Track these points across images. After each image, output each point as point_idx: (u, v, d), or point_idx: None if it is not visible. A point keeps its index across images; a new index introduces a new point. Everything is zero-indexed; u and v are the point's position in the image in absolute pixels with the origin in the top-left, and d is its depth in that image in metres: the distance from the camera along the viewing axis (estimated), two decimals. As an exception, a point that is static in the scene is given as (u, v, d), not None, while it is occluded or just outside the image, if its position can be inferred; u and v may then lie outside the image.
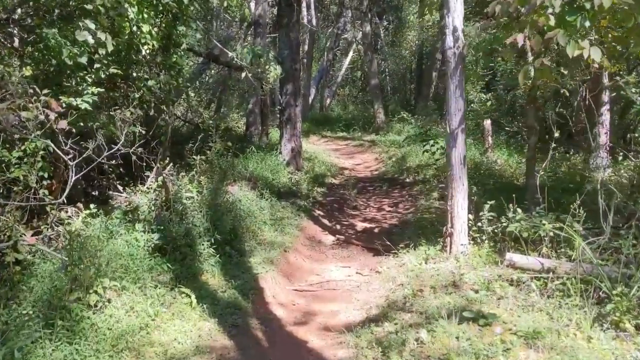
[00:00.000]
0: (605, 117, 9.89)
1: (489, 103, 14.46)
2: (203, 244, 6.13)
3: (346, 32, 29.06)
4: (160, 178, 7.18)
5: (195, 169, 7.84)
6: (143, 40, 7.23)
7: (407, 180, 11.20)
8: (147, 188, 7.14)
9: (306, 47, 23.13)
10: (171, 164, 7.87)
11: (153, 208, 6.61)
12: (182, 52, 9.12)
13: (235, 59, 9.22)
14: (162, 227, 6.10)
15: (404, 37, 27.95)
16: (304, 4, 26.45)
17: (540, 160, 7.37)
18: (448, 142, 6.05)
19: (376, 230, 8.25)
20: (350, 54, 28.33)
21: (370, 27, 19.15)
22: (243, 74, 8.86)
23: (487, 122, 11.56)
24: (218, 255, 6.08)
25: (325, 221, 8.83)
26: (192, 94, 15.35)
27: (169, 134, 8.43)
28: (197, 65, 15.69)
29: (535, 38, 4.87)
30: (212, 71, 17.96)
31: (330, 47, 27.26)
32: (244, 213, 7.43)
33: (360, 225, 8.55)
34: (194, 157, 10.00)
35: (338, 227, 8.57)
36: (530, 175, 6.87)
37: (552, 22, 4.74)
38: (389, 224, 8.49)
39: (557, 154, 10.20)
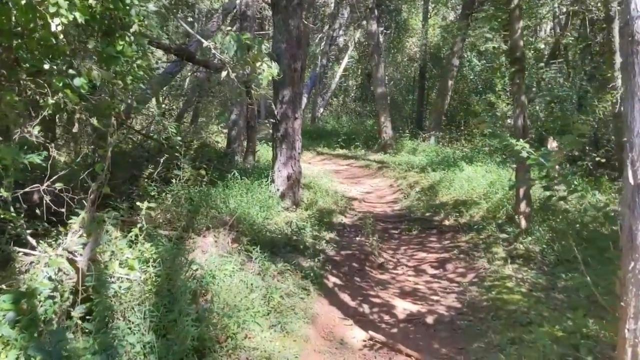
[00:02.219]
0: None
1: None
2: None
3: (340, 35, 26.24)
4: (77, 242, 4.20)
5: (140, 222, 4.76)
6: (52, 9, 4.22)
7: (446, 222, 8.25)
8: (51, 259, 4.14)
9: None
10: (108, 212, 4.86)
11: (53, 308, 3.62)
12: (133, 39, 6.01)
13: (214, 51, 6.33)
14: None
15: (403, 44, 25.21)
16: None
17: None
18: (628, 199, 3.07)
19: (429, 318, 5.24)
20: (345, 60, 25.47)
21: (377, 25, 16.26)
22: (223, 73, 5.92)
23: None
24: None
25: (346, 297, 5.80)
26: (160, 102, 12.28)
27: (106, 162, 5.28)
28: (168, 66, 12.61)
29: None
30: (188, 73, 14.88)
31: (324, 51, 24.37)
32: (221, 303, 4.39)
33: (400, 307, 5.53)
34: (151, 190, 6.96)
35: (366, 308, 5.54)
36: None
37: None
38: (446, 306, 5.49)
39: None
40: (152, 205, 5.04)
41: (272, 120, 9.13)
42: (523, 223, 6.87)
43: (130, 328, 3.63)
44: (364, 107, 24.56)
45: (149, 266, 4.21)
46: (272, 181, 8.86)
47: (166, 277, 4.20)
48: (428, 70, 21.64)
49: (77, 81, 4.77)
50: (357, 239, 7.89)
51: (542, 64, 12.77)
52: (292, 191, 8.88)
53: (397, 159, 13.70)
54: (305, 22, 21.07)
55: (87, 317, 3.74)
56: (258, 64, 6.04)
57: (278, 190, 8.81)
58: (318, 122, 23.23)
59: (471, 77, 17.41)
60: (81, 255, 4.01)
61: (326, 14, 25.26)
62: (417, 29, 23.97)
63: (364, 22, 16.78)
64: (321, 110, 24.77)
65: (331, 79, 26.09)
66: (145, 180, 7.69)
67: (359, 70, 26.48)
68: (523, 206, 6.89)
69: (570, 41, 12.74)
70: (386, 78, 22.57)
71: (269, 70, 6.00)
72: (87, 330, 3.65)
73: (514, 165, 7.86)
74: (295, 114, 8.80)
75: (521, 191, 6.88)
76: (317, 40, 25.99)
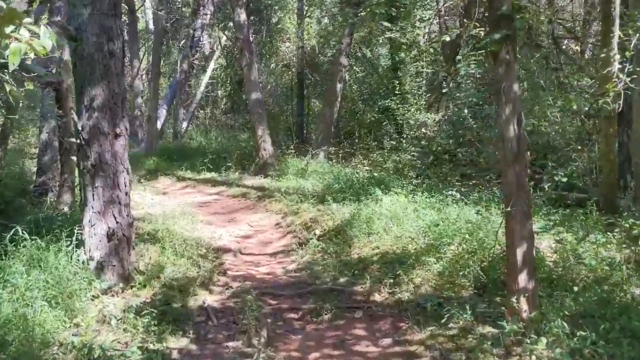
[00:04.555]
0: None
1: None
2: None
3: (205, 40, 22.59)
4: None
5: None
6: None
7: (377, 297, 5.05)
8: None
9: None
10: None
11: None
12: None
13: None
14: None
15: (276, 49, 22.17)
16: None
17: None
18: None
19: None
20: (211, 65, 21.79)
21: (247, 15, 12.94)
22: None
23: None
24: None
25: None
26: None
27: None
28: None
29: None
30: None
31: (185, 55, 20.53)
32: None
33: None
34: None
35: None
36: None
37: None
38: None
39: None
40: None
41: (73, 140, 5.44)
42: (525, 308, 3.87)
43: None
44: (236, 118, 21.05)
45: None
46: (82, 244, 5.20)
47: None
48: (306, 76, 18.78)
49: None
50: (231, 345, 4.44)
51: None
52: (118, 257, 5.27)
53: (282, 184, 10.41)
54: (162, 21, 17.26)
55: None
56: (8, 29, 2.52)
57: (91, 258, 5.15)
58: (181, 139, 19.32)
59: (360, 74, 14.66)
60: None
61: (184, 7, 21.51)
62: (291, 33, 21.09)
63: (233, 16, 13.40)
64: (185, 124, 20.87)
65: (196, 88, 22.28)
66: None
67: (229, 78, 22.92)
68: (523, 279, 3.89)
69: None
70: (260, 85, 19.27)
71: (30, 42, 2.44)
72: None
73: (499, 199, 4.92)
74: (115, 128, 5.18)
75: (519, 252, 3.88)
76: (179, 40, 22.06)
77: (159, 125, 20.18)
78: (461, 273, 4.84)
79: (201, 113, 23.73)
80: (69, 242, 5.14)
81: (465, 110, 8.29)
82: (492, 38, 3.71)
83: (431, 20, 13.62)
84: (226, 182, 11.93)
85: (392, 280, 5.13)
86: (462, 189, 7.60)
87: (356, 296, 5.14)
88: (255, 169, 12.44)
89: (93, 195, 5.17)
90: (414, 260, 5.26)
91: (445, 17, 15.20)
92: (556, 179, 6.18)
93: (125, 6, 17.95)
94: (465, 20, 11.46)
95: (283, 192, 9.63)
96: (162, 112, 20.94)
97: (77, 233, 5.19)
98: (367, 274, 5.44)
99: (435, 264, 5.07)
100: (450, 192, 6.82)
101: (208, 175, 12.87)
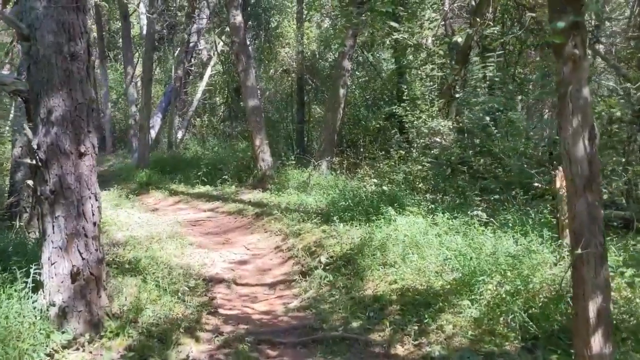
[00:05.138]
0: None
1: None
2: None
3: (202, 46, 21.77)
4: None
5: None
6: None
7: (399, 350, 4.13)
8: None
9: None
10: None
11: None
12: None
13: None
14: None
15: (275, 54, 21.33)
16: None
17: None
18: None
19: None
20: (208, 72, 20.91)
21: (243, 16, 12.06)
22: None
23: None
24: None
25: None
26: None
27: None
28: None
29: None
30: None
31: (180, 61, 19.65)
32: None
33: None
34: None
35: None
36: None
37: None
38: None
39: None
40: None
41: (26, 160, 4.54)
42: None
43: None
44: (234, 127, 20.13)
45: None
46: (41, 285, 4.30)
47: None
48: (306, 82, 17.90)
49: None
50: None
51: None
52: (85, 301, 4.37)
53: (282, 199, 9.50)
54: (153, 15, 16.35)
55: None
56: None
57: (52, 304, 4.25)
58: (176, 149, 18.41)
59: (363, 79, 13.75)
60: None
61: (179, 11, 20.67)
62: (290, 37, 20.26)
63: (228, 18, 12.51)
64: (180, 133, 19.98)
65: (193, 96, 21.40)
66: None
67: (227, 85, 22.03)
68: (598, 342, 2.96)
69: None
70: (259, 91, 18.35)
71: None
72: None
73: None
74: (79, 146, 4.27)
75: (592, 306, 2.95)
76: (174, 45, 21.17)
77: (153, 134, 19.29)
78: (503, 320, 3.92)
79: (198, 121, 22.84)
80: (24, 284, 4.25)
81: (487, 118, 7.35)
82: (554, 27, 2.81)
83: (439, 22, 12.72)
84: (222, 196, 11.01)
85: (416, 327, 4.20)
86: (487, 208, 6.67)
87: (373, 347, 4.20)
88: (254, 182, 11.53)
89: (53, 227, 4.27)
90: (442, 302, 4.33)
91: (451, 20, 14.36)
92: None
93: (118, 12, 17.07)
94: (477, 19, 10.59)
95: (283, 209, 8.73)
96: (157, 121, 20.06)
97: (34, 274, 4.28)
98: (385, 317, 4.51)
99: (470, 307, 4.15)
100: (475, 213, 5.89)
101: (202, 189, 11.95)
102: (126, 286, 5.46)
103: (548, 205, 5.80)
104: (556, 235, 4.74)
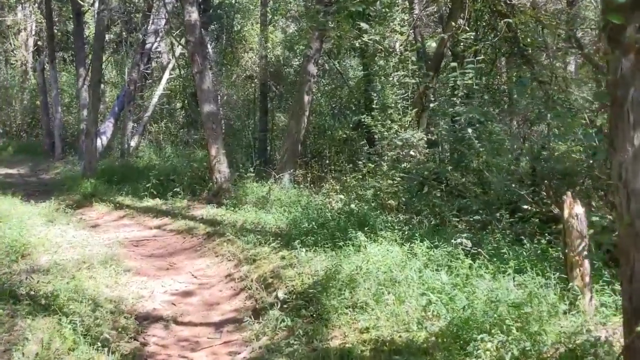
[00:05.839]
0: None
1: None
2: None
3: (161, 50, 20.59)
4: None
5: None
6: None
7: None
8: None
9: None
10: None
11: None
12: None
13: None
14: None
15: (238, 58, 20.37)
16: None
17: None
18: None
19: None
20: (166, 75, 19.72)
21: (204, 18, 11.02)
22: None
23: None
24: None
25: None
26: None
27: None
28: None
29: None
30: None
31: (135, 63, 18.41)
32: None
33: None
34: None
35: None
36: None
37: None
38: None
39: None
40: None
41: None
42: None
43: None
44: (191, 134, 18.95)
45: None
46: None
47: None
48: (270, 88, 16.95)
49: None
50: None
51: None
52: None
53: (238, 216, 8.48)
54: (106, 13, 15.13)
55: None
56: None
57: None
58: (129, 157, 17.13)
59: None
60: None
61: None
62: (253, 41, 19.35)
63: (183, 15, 11.42)
64: (134, 140, 18.69)
65: (149, 100, 20.14)
66: None
67: (184, 89, 20.84)
68: None
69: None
70: (218, 96, 17.24)
71: None
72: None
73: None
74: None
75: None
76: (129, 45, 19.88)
77: (105, 140, 18.00)
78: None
79: (155, 127, 21.55)
80: None
81: (470, 130, 6.53)
82: (608, 4, 1.94)
83: (410, 29, 11.96)
84: (171, 211, 9.90)
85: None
86: (470, 232, 5.83)
87: None
88: (208, 196, 10.46)
89: None
90: (425, 352, 3.42)
91: (419, 28, 13.69)
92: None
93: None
94: (452, 22, 9.85)
95: (238, 228, 7.71)
96: (109, 126, 18.77)
97: None
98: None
99: (465, 372, 3.24)
100: (459, 240, 5.02)
101: (151, 202, 10.81)
102: (35, 331, 4.39)
103: (546, 233, 4.98)
104: (564, 276, 3.89)
